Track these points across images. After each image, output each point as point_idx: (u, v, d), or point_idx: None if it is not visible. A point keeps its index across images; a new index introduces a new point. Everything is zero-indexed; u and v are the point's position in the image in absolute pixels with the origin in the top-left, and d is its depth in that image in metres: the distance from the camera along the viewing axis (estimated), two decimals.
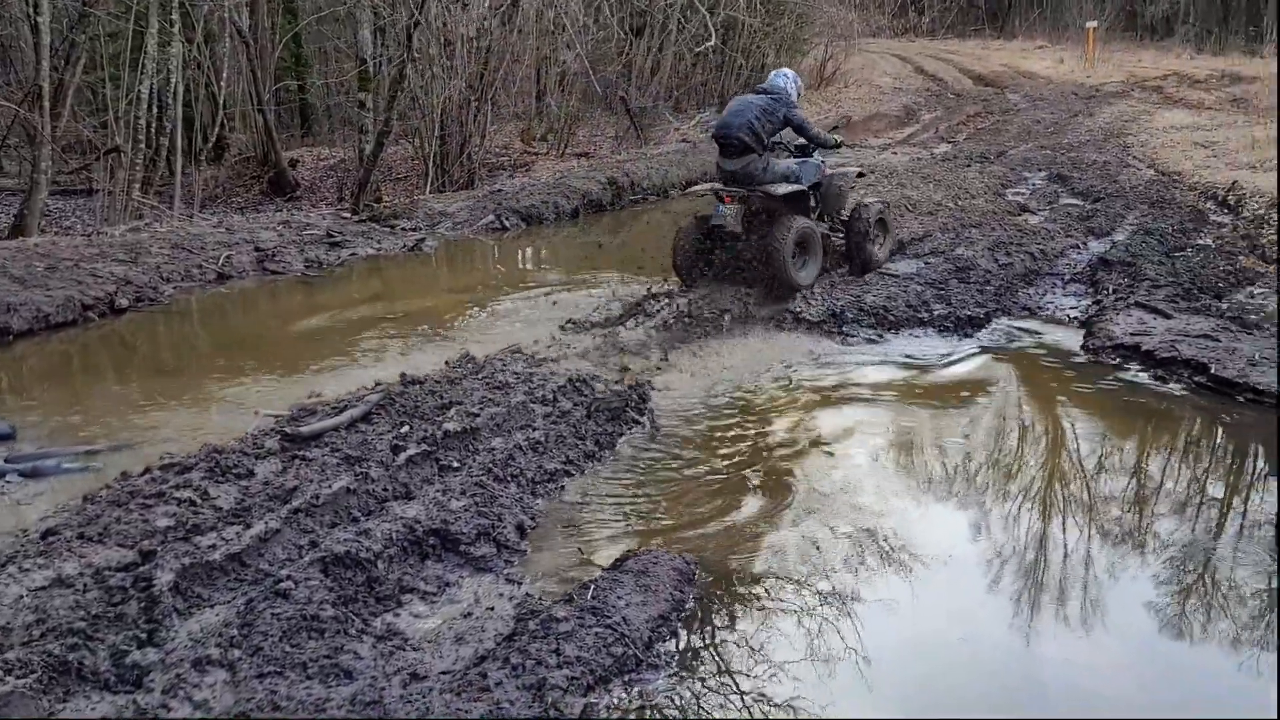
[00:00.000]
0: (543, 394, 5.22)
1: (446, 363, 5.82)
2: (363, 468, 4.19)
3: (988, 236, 8.88)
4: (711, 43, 17.79)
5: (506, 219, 10.93)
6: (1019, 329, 7.01)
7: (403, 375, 5.38)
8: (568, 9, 16.39)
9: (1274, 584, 4.52)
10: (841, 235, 8.13)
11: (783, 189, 7.17)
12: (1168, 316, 6.62)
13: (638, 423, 5.18)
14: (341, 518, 3.87)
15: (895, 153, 17.79)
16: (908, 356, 6.43)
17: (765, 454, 4.95)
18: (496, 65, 13.90)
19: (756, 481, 4.64)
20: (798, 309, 7.06)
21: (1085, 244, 9.43)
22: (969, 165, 14.35)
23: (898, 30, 42.36)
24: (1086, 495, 4.57)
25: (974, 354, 6.50)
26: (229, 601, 3.39)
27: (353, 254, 9.57)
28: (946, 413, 5.53)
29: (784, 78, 7.60)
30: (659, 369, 6.13)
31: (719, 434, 5.17)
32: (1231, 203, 11.67)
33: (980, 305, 7.19)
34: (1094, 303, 7.53)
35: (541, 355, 6.14)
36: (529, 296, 8.30)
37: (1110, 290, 7.53)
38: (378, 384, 5.28)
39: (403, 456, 4.28)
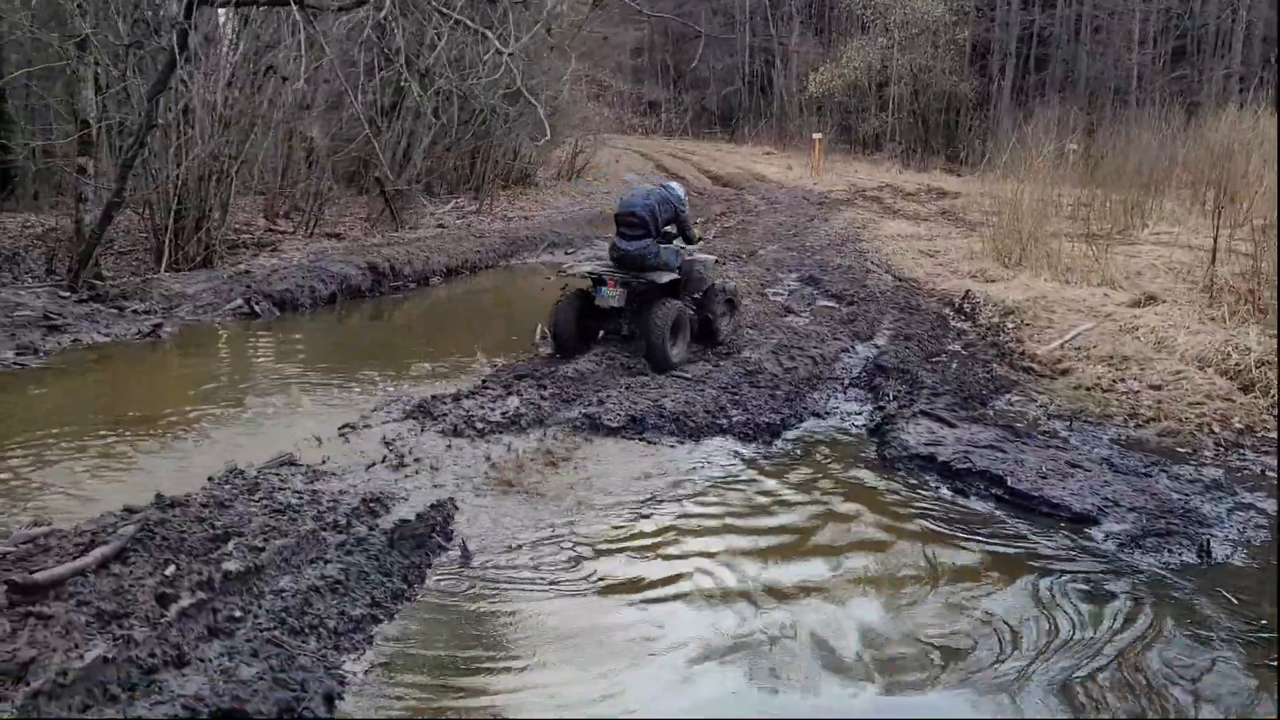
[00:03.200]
0: (334, 518, 4.52)
1: (210, 479, 4.98)
2: (123, 627, 3.36)
3: (769, 339, 8.95)
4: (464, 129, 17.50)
5: (257, 304, 9.95)
6: (813, 437, 6.98)
7: (159, 497, 4.51)
8: (318, 84, 15.63)
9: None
10: (694, 312, 8.69)
11: (665, 277, 8.02)
12: (953, 425, 6.80)
13: (445, 550, 4.58)
14: (97, 699, 3.04)
15: None
16: (714, 473, 6.20)
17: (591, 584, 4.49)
18: (241, 136, 12.88)
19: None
20: (595, 413, 6.70)
21: (853, 347, 9.73)
22: (725, 263, 14.70)
23: (643, 129, 43.93)
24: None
25: (779, 467, 6.36)
26: None
27: (76, 340, 8.32)
28: (763, 530, 5.29)
29: (676, 186, 8.72)
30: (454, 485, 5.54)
31: (543, 560, 4.66)
32: (967, 310, 12.56)
33: (775, 411, 7.13)
34: (876, 408, 7.67)
35: (323, 468, 5.41)
36: (293, 394, 7.47)
37: (891, 397, 7.71)
38: (128, 509, 4.38)
39: (174, 609, 3.48)
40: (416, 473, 5.50)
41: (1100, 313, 11.85)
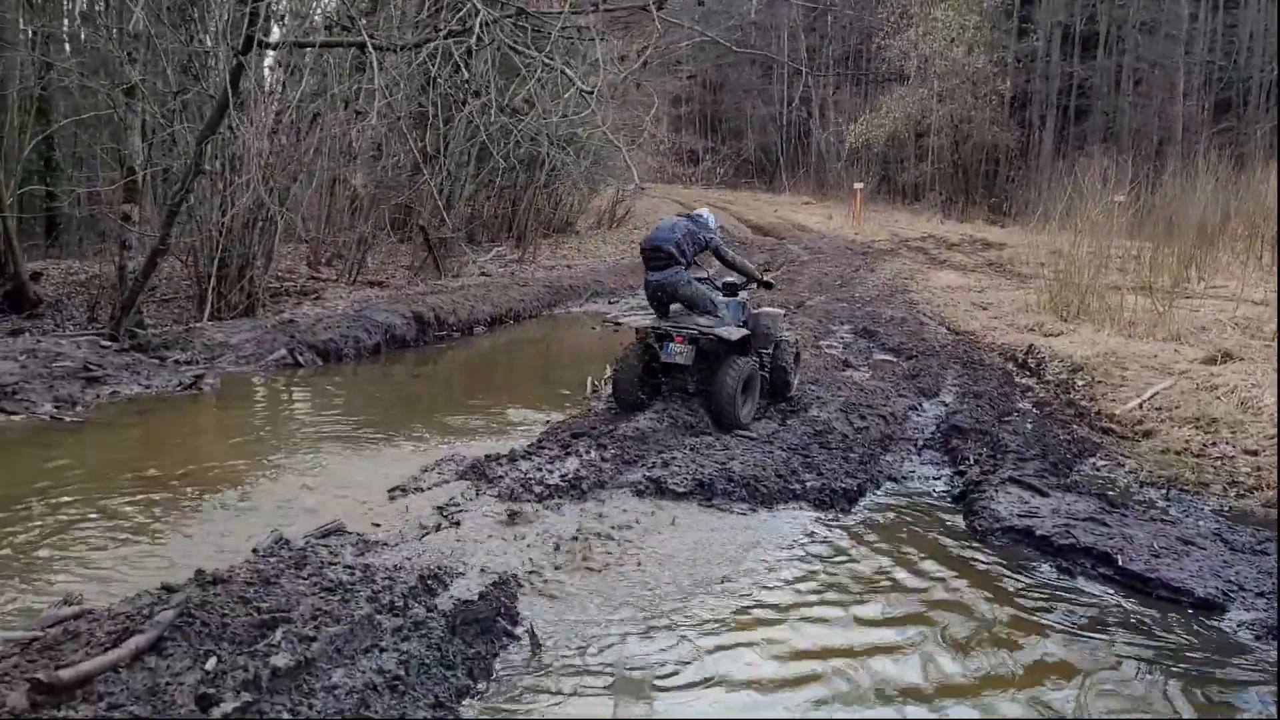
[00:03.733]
0: (390, 598, 4.10)
1: (255, 550, 4.59)
2: None
3: (835, 396, 8.49)
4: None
5: (301, 354, 9.66)
6: (892, 504, 6.49)
7: (199, 574, 4.12)
8: (363, 130, 15.51)
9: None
10: (767, 370, 8.41)
11: (735, 334, 7.54)
12: (1044, 494, 6.29)
13: (512, 637, 4.13)
14: None
15: None
16: (791, 549, 5.72)
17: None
18: (287, 183, 12.72)
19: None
20: (659, 476, 6.26)
21: (920, 405, 9.25)
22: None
23: (682, 179, 43.86)
24: None
25: (862, 542, 5.87)
26: None
27: (115, 392, 8.03)
28: (864, 622, 4.80)
29: (706, 212, 8.34)
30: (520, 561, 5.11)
31: (622, 652, 4.20)
32: (1032, 365, 12.05)
33: (850, 475, 6.65)
34: (956, 473, 7.18)
35: (374, 536, 5.01)
36: (339, 451, 7.09)
37: (971, 460, 7.21)
38: (166, 588, 3.98)
39: (216, 714, 3.06)
40: (475, 543, 5.08)
41: (1174, 370, 11.29)
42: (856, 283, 19.09)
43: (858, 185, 33.73)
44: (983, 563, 5.44)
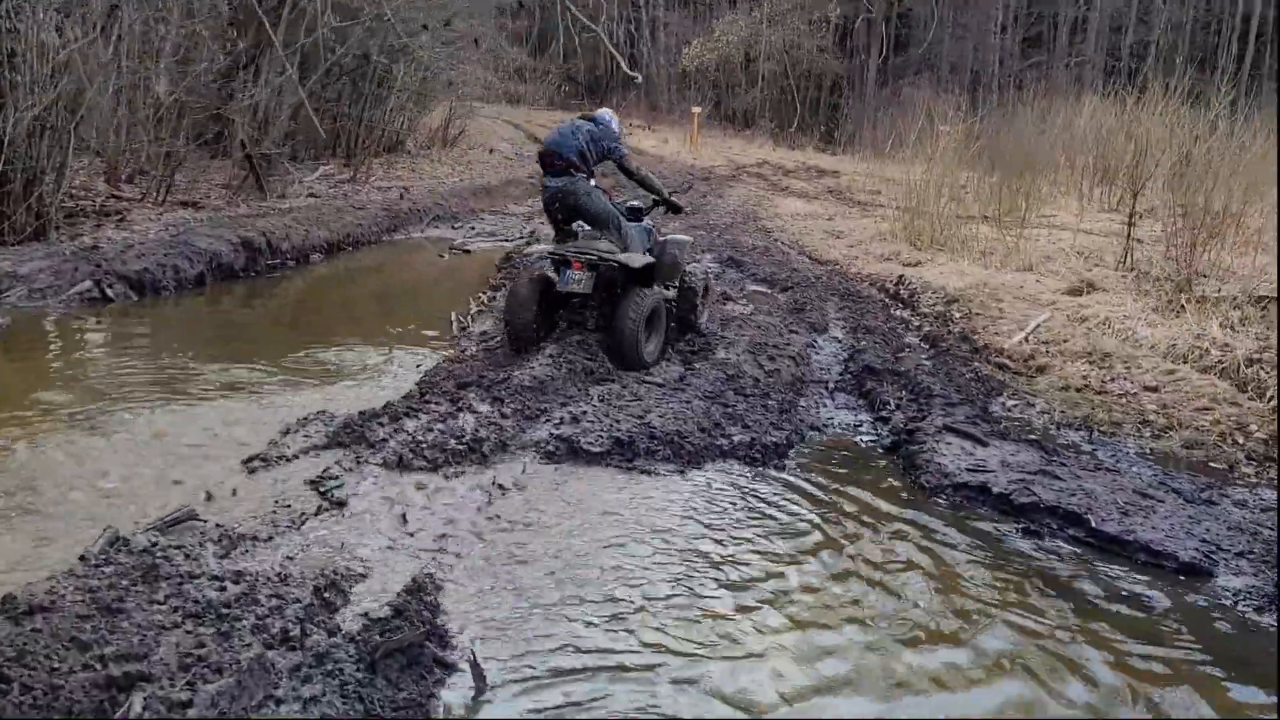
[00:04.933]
0: (281, 624, 3.12)
1: (83, 558, 3.48)
2: None
3: (740, 336, 7.79)
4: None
5: (110, 286, 8.17)
6: (823, 458, 5.87)
7: (8, 601, 3.02)
8: (169, 31, 13.60)
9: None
10: (673, 304, 7.82)
11: (639, 261, 6.88)
12: (984, 444, 5.81)
13: (447, 667, 3.22)
14: None
15: (543, 221, 16.70)
16: (734, 515, 5.00)
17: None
18: (78, 86, 10.85)
19: None
20: (572, 435, 5.40)
21: (815, 342, 8.71)
22: None
23: (509, 97, 42.02)
24: None
25: (805, 505, 5.21)
26: None
27: None
28: (840, 603, 4.12)
29: (608, 113, 7.61)
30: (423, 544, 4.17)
31: (583, 684, 3.37)
32: (905, 297, 11.75)
33: (776, 428, 5.97)
34: (877, 419, 6.64)
35: (238, 527, 3.96)
36: (172, 408, 5.87)
37: (892, 405, 6.68)
38: None
39: None
40: (371, 532, 4.11)
41: (1041, 301, 11.22)
42: (709, 209, 18.48)
43: (695, 109, 33.16)
44: (943, 526, 4.87)
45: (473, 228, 15.83)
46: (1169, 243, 12.86)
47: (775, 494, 5.14)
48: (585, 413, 5.67)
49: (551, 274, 7.19)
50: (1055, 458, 5.72)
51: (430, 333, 8.48)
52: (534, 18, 46.85)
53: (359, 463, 4.87)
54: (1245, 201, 12.74)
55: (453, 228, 15.69)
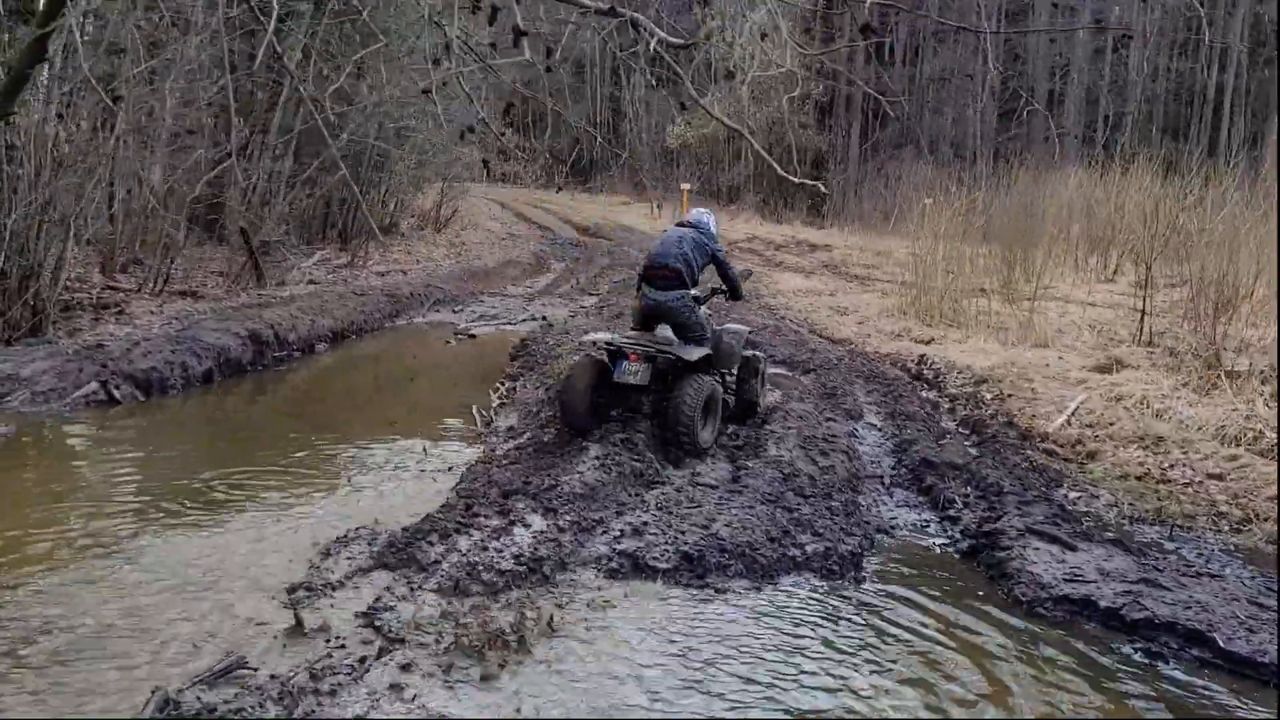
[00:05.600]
0: None
1: None
2: None
3: (786, 429, 7.40)
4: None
5: (116, 387, 7.73)
6: (900, 566, 5.46)
7: None
8: (163, 116, 13.34)
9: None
10: (731, 391, 7.82)
11: (695, 354, 6.88)
12: (1072, 548, 5.42)
13: None
14: None
15: (545, 304, 16.41)
16: (824, 637, 4.57)
17: None
18: (81, 179, 10.53)
19: None
20: (635, 550, 4.98)
21: (856, 431, 8.35)
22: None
23: (508, 178, 42.18)
24: None
25: (896, 623, 4.78)
26: None
27: None
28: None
29: (708, 214, 7.68)
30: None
31: None
32: (929, 377, 11.44)
33: (845, 532, 5.57)
34: (944, 518, 6.25)
35: (295, 678, 3.51)
36: (194, 522, 5.41)
37: (959, 503, 6.30)
38: None
39: None
40: (437, 687, 3.65)
41: (1070, 379, 10.94)
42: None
43: (685, 186, 33.20)
44: (1051, 647, 4.46)
45: (474, 311, 15.48)
46: (1188, 316, 12.71)
47: (860, 613, 4.73)
48: (646, 524, 5.25)
49: (602, 358, 7.09)
50: (1146, 560, 5.34)
51: (453, 426, 8.07)
52: (524, 100, 47.15)
53: (412, 589, 4.43)
54: (1258, 273, 12.64)
55: (453, 311, 15.34)
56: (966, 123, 46.20)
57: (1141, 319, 13.23)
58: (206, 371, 8.78)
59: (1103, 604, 4.73)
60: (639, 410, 7.13)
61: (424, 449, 7.23)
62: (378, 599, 4.31)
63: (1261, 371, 10.29)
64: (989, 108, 46.36)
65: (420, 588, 4.43)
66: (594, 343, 7.25)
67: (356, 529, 5.17)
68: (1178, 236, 13.65)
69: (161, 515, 5.55)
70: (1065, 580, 4.97)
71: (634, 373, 6.73)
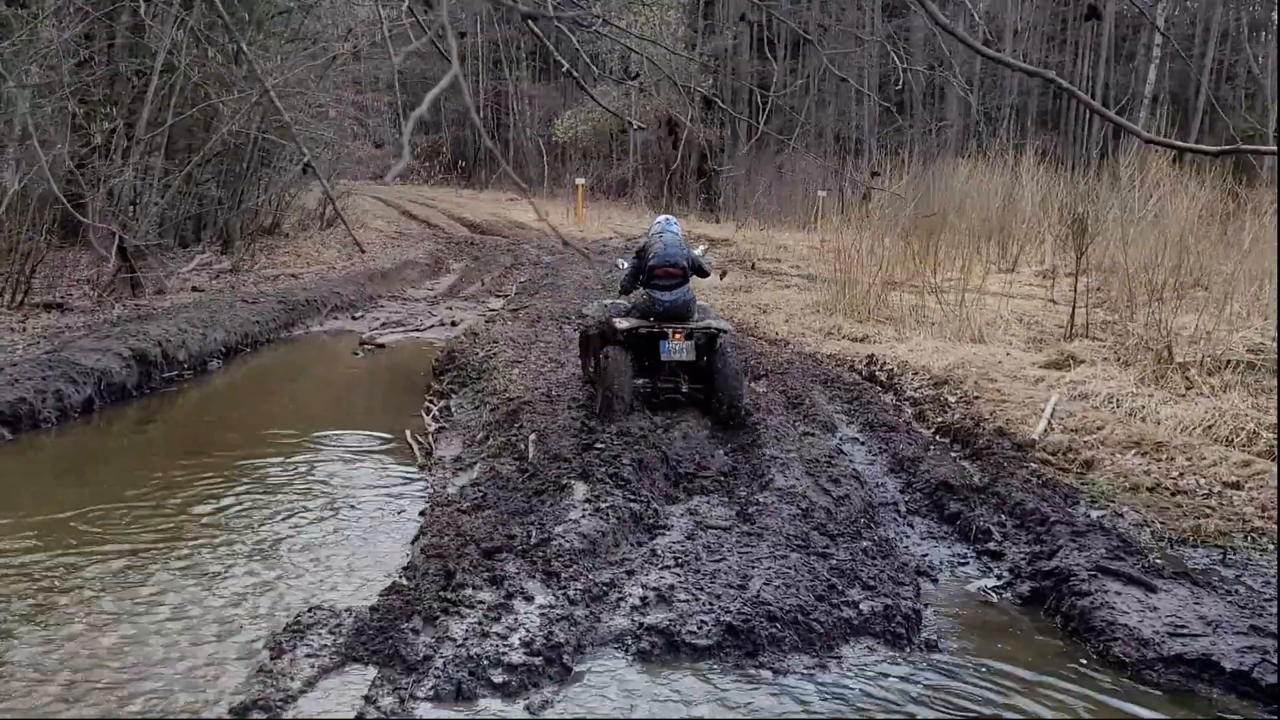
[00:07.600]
0: None
1: None
2: None
3: (786, 453, 6.53)
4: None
5: None
6: (959, 622, 4.65)
7: None
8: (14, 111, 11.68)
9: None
10: None
11: (721, 323, 7.71)
12: (1150, 588, 4.70)
13: None
14: None
15: (451, 308, 15.23)
16: None
17: None
18: None
19: None
20: (667, 624, 4.03)
21: (841, 448, 7.56)
22: (563, 329, 12.18)
23: (374, 174, 40.37)
24: None
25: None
26: None
27: None
28: None
29: (673, 221, 8.26)
30: None
31: None
32: (883, 379, 10.79)
33: (894, 582, 4.73)
34: (982, 552, 5.48)
35: None
36: (99, 606, 4.21)
37: (997, 535, 5.54)
38: None
39: None
40: None
41: (1026, 376, 10.44)
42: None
43: (579, 181, 32.19)
44: None
45: (376, 318, 14.20)
46: (1114, 306, 12.53)
47: (945, 694, 3.88)
48: (672, 586, 4.30)
49: (643, 346, 7.44)
50: (1232, 598, 4.67)
51: (386, 458, 6.95)
52: (398, 91, 45.33)
53: (402, 700, 3.38)
54: (1178, 264, 12.45)
55: (353, 318, 14.05)
56: (850, 116, 46.48)
57: (1073, 312, 12.90)
58: (86, 400, 7.40)
59: (1226, 666, 4.00)
60: (677, 390, 7.53)
61: (362, 488, 6.12)
62: (360, 716, 3.26)
63: (1212, 359, 10.04)
64: (871, 100, 46.73)
65: (412, 696, 3.39)
66: (628, 328, 7.37)
67: (310, 610, 4.07)
68: (1093, 226, 13.36)
69: (33, 607, 4.31)
70: (1170, 635, 4.23)
71: (680, 349, 7.36)
